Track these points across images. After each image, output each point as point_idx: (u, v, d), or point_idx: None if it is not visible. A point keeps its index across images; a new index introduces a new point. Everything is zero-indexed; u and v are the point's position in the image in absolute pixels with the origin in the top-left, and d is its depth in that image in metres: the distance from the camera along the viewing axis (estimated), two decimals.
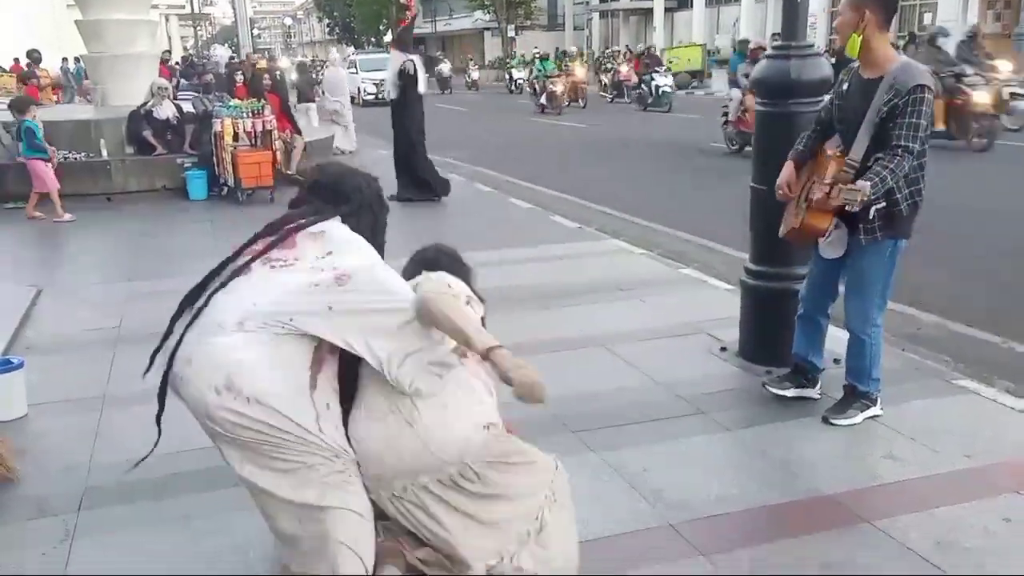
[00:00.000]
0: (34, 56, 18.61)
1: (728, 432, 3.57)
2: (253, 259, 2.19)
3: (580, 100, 24.15)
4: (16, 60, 22.67)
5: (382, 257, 2.34)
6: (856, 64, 3.48)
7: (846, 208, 3.19)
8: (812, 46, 4.07)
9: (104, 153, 10.16)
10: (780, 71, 3.98)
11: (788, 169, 3.62)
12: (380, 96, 26.86)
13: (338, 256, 2.18)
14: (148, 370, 2.21)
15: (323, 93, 14.80)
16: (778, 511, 2.95)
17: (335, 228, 2.28)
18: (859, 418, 3.58)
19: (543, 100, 22.89)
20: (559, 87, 22.51)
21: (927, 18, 26.94)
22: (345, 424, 2.19)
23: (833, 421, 3.57)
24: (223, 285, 2.15)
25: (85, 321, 5.31)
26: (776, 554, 2.66)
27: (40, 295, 5.82)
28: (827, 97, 3.69)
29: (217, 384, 2.01)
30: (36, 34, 29.57)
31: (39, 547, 2.77)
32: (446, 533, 2.21)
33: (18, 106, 8.97)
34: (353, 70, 28.86)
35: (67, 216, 8.71)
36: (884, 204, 3.29)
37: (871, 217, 3.31)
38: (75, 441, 3.58)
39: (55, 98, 18.70)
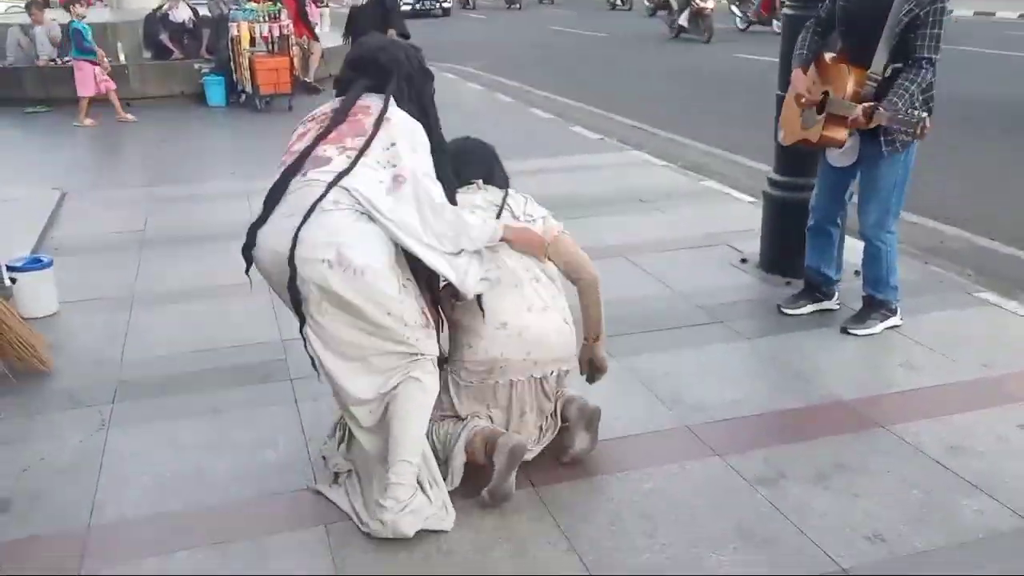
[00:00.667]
0: None
1: (746, 340, 3.60)
2: (326, 147, 2.22)
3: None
4: None
5: (438, 130, 2.41)
6: None
7: (885, 123, 3.15)
8: None
9: (122, 57, 10.06)
10: None
11: (801, 76, 3.56)
12: (420, 7, 25.30)
13: (401, 149, 2.22)
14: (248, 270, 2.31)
15: None
16: (793, 415, 3.00)
17: (396, 114, 2.29)
18: (879, 327, 3.59)
19: (682, 20, 16.71)
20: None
21: None
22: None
23: (852, 331, 3.59)
24: (304, 174, 2.19)
25: (110, 224, 5.37)
26: (790, 455, 2.72)
27: (64, 198, 5.86)
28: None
29: (329, 257, 2.09)
30: None
31: (76, 435, 2.87)
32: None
33: (65, 5, 8.87)
34: None
35: (130, 116, 8.72)
36: (902, 116, 3.24)
37: (891, 130, 3.26)
38: (106, 337, 3.66)
39: None
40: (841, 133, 3.38)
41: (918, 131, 3.05)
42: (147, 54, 10.35)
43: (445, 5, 26.65)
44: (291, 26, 9.83)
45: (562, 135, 7.96)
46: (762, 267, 4.37)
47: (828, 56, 3.50)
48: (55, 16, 10.86)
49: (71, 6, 8.77)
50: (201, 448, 2.80)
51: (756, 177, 6.30)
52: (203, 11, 10.95)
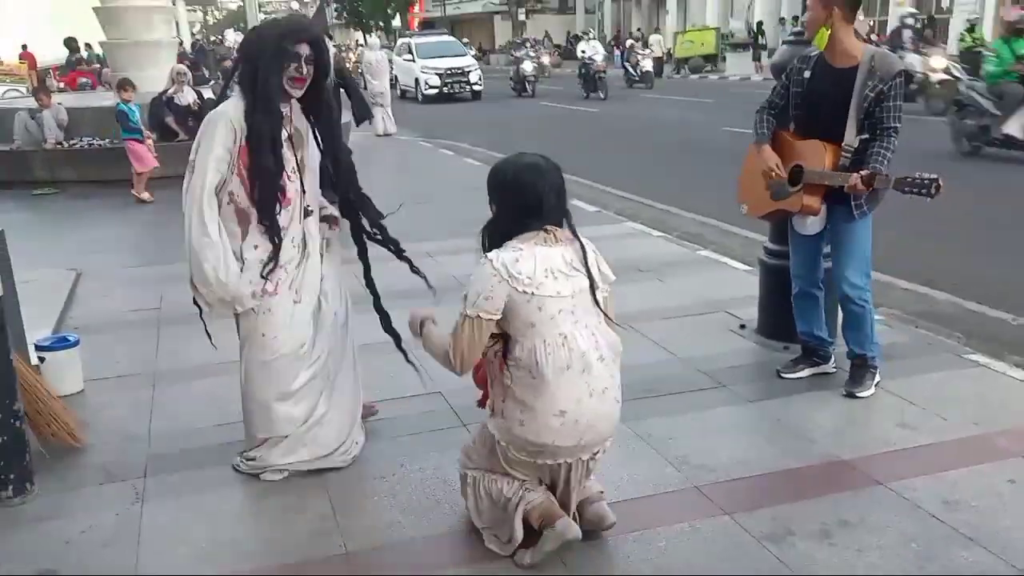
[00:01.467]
0: (72, 45, 18.82)
1: (748, 403, 3.77)
2: None
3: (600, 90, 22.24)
4: (24, 47, 22.84)
5: None
6: (814, 53, 3.70)
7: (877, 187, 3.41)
8: None
9: None
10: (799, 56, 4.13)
11: (770, 152, 3.80)
12: (448, 90, 23.10)
13: None
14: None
15: (365, 76, 15.17)
16: (797, 474, 3.15)
17: None
18: (872, 387, 3.77)
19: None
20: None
21: (945, 1, 26.81)
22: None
23: (858, 394, 3.74)
24: None
25: (127, 302, 5.54)
26: (795, 512, 2.86)
27: (80, 278, 6.04)
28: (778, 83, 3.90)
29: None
30: (37, 19, 29.80)
31: (113, 508, 2.99)
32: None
33: (117, 87, 9.40)
34: (409, 57, 24.64)
35: (146, 195, 9.04)
36: None
37: (863, 197, 3.55)
38: (132, 413, 3.80)
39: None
40: (817, 201, 3.65)
41: (933, 190, 3.26)
42: (153, 135, 10.65)
43: (476, 87, 23.66)
44: None
45: None
46: (760, 332, 4.55)
47: (789, 134, 3.79)
48: (61, 100, 11.23)
49: (120, 90, 9.23)
50: (233, 518, 2.93)
51: (750, 246, 6.55)
52: (208, 94, 11.31)
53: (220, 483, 3.16)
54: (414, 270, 3.41)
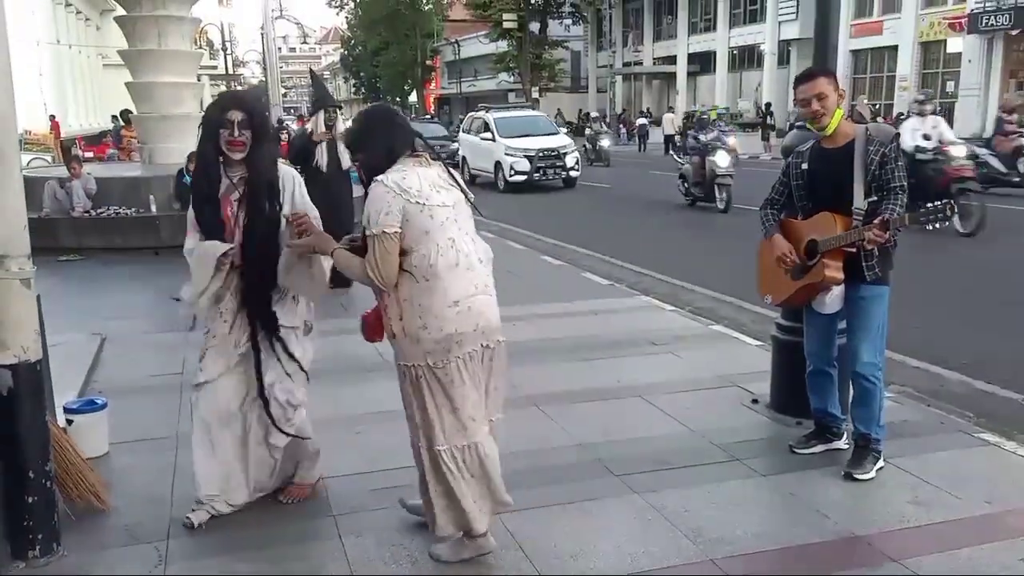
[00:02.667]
0: (126, 117, 19.43)
1: (762, 477, 3.81)
2: None
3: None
4: (52, 117, 23.59)
5: None
6: (807, 147, 3.88)
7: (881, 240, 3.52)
8: None
9: (153, 209, 10.67)
10: (806, 140, 4.29)
11: (781, 239, 3.91)
12: (540, 176, 18.43)
13: None
14: None
15: None
16: (811, 549, 3.18)
17: None
18: (873, 471, 3.78)
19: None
20: None
21: (950, 86, 27.43)
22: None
23: (856, 476, 3.75)
24: None
25: (149, 367, 5.65)
26: None
27: (105, 343, 6.17)
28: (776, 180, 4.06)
29: None
30: (65, 93, 30.81)
31: (138, 570, 3.05)
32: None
33: (188, 159, 9.87)
34: (487, 136, 19.67)
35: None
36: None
37: (874, 254, 3.65)
38: (156, 476, 3.87)
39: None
40: (839, 269, 3.70)
41: (949, 211, 3.38)
42: (176, 205, 10.95)
43: (572, 173, 19.02)
44: None
45: (574, 281, 8.37)
46: (773, 407, 4.61)
47: (796, 220, 3.93)
48: (90, 170, 11.58)
49: (189, 161, 9.66)
50: None
51: (762, 322, 6.64)
52: None
53: (241, 546, 3.21)
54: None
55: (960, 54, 26.48)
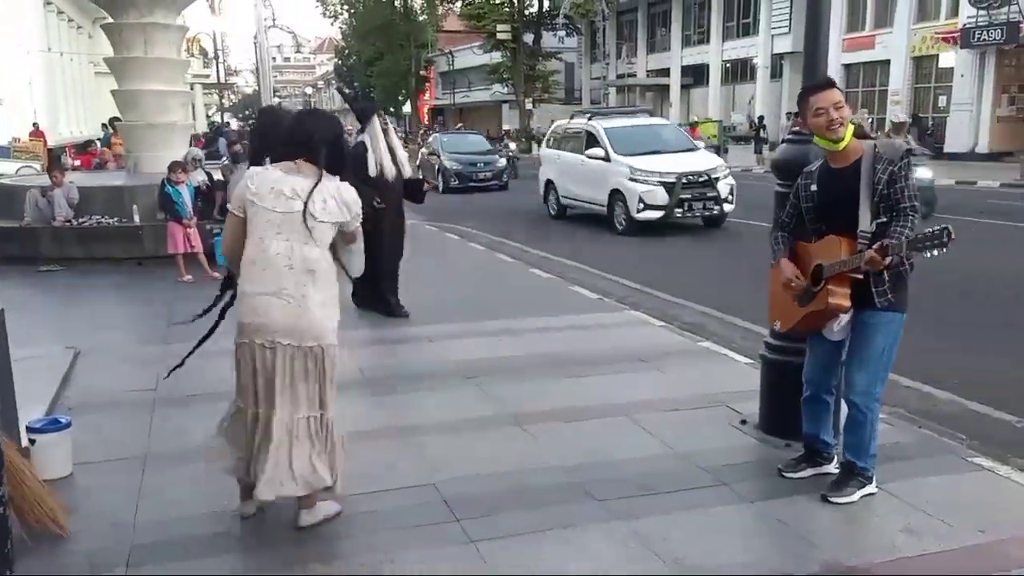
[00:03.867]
0: (115, 125, 19.27)
1: (749, 504, 3.68)
2: None
3: None
4: (36, 125, 23.32)
5: None
6: (815, 167, 3.72)
7: (880, 267, 3.35)
8: None
9: (136, 219, 10.50)
10: (799, 155, 4.17)
11: (788, 264, 3.76)
12: (687, 212, 12.74)
13: None
14: None
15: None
16: None
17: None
18: (856, 496, 3.65)
19: None
20: None
21: (942, 101, 27.48)
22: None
23: (832, 499, 3.63)
24: None
25: (123, 382, 5.50)
26: None
27: (78, 357, 6.02)
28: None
29: None
30: (57, 101, 30.62)
31: None
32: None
33: (168, 169, 9.65)
34: (597, 153, 13.66)
35: (188, 277, 9.13)
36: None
37: (884, 280, 3.48)
38: (120, 500, 3.72)
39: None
40: (844, 296, 3.51)
41: (946, 238, 3.18)
42: (161, 215, 10.80)
43: (726, 207, 12.96)
44: None
45: (562, 294, 8.24)
46: (761, 429, 4.49)
47: (805, 244, 3.76)
48: (73, 179, 11.42)
49: (170, 171, 9.52)
50: None
51: (751, 338, 6.54)
52: (217, 175, 11.52)
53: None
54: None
55: (952, 69, 26.53)
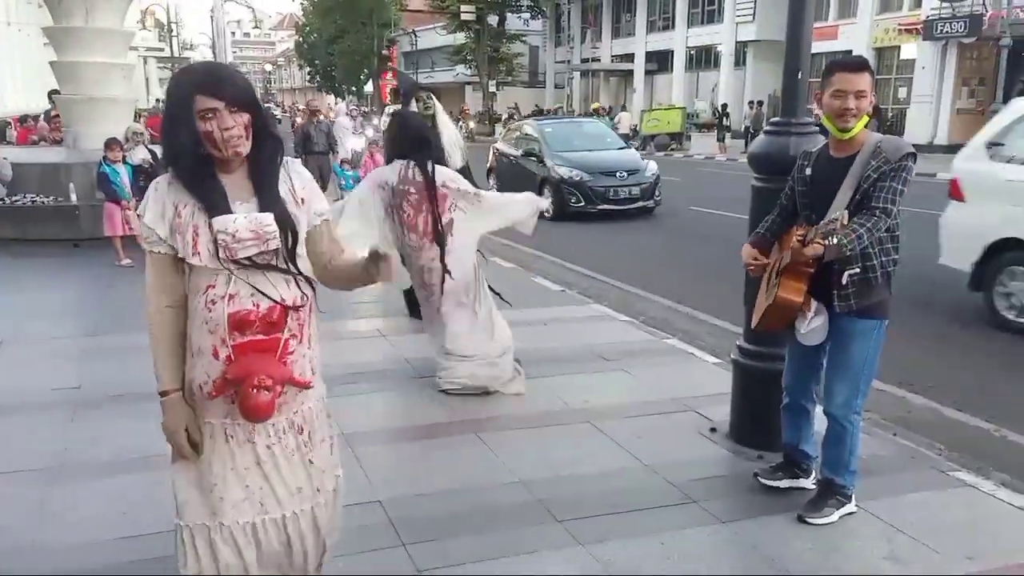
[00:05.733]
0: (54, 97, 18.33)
1: (721, 524, 3.39)
2: None
3: None
4: None
5: None
6: (816, 148, 3.42)
7: (826, 258, 3.08)
8: (811, 123, 4.00)
9: (73, 198, 9.94)
10: (780, 147, 3.90)
11: (747, 247, 3.51)
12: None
13: None
14: None
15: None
16: None
17: None
18: (835, 516, 3.39)
19: None
20: None
21: (902, 92, 27.61)
22: None
23: (808, 520, 3.38)
24: None
25: (43, 379, 5.04)
26: None
27: (0, 347, 5.56)
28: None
29: None
30: (2, 72, 29.43)
31: None
32: None
33: (105, 146, 9.05)
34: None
35: (126, 261, 8.58)
36: (858, 270, 3.18)
37: (844, 283, 3.20)
38: (22, 520, 3.30)
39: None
40: (797, 293, 3.22)
41: (839, 226, 2.91)
42: (100, 194, 10.23)
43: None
44: None
45: (524, 286, 7.91)
46: (732, 438, 4.21)
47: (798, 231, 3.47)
48: (6, 154, 10.76)
49: (107, 149, 8.94)
50: None
51: (719, 335, 6.29)
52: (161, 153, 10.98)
53: None
54: None
55: (913, 60, 26.63)
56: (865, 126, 3.23)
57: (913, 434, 4.42)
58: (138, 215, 2.16)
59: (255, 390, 2.08)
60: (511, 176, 14.38)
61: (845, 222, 2.99)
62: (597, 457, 4.02)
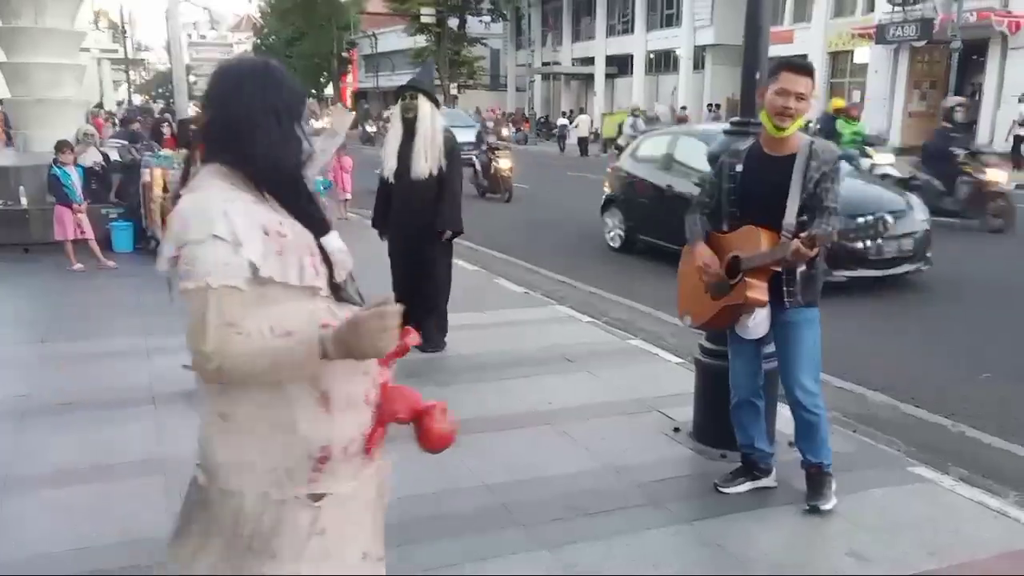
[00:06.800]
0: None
1: (687, 524, 3.38)
2: None
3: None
4: None
5: None
6: (744, 146, 3.48)
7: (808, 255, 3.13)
8: None
9: (23, 202, 9.68)
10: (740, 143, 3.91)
11: (706, 249, 3.50)
12: None
13: None
14: None
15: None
16: None
17: None
18: (833, 497, 3.49)
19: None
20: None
21: (855, 95, 28.09)
22: None
23: (822, 508, 3.45)
24: None
25: None
26: None
27: None
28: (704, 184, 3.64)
29: None
30: None
31: None
32: None
33: (55, 149, 8.78)
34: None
35: (78, 266, 8.39)
36: (804, 267, 3.30)
37: (796, 280, 3.33)
38: None
39: None
40: (763, 291, 3.31)
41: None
42: (51, 198, 9.98)
43: None
44: None
45: (487, 288, 7.86)
46: (695, 437, 4.21)
47: (720, 233, 3.52)
48: None
49: (58, 152, 8.69)
50: None
51: (681, 335, 6.28)
52: (114, 156, 10.73)
53: None
54: None
55: (867, 64, 27.13)
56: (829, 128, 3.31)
57: (872, 430, 4.46)
58: (251, 259, 1.60)
59: (431, 417, 1.80)
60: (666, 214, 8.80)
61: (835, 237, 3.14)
62: (561, 459, 3.99)
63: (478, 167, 16.66)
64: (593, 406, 4.69)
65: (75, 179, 8.74)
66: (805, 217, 3.26)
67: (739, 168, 3.44)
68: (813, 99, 3.33)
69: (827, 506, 3.45)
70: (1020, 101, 20.59)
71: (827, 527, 3.37)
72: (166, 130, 12.30)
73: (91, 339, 5.93)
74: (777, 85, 3.26)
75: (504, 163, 16.18)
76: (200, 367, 1.58)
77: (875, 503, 3.57)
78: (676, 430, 4.33)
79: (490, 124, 19.20)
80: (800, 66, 3.29)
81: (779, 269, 3.30)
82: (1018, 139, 19.88)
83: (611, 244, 10.54)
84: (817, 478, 3.51)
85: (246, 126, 1.70)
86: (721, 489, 3.67)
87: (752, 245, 3.32)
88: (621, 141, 22.11)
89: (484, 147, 17.59)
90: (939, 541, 3.25)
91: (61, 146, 8.75)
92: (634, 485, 3.71)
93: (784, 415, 3.74)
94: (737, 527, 3.37)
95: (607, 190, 10.83)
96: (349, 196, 12.86)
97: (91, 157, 10.02)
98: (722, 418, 4.03)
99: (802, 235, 3.14)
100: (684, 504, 3.56)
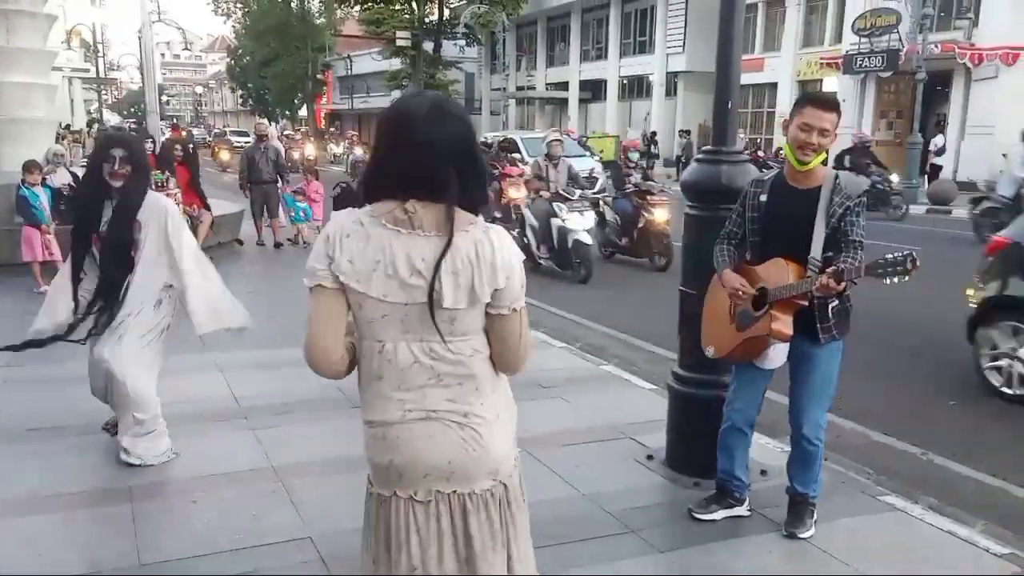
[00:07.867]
0: None
1: (660, 554, 3.39)
2: None
3: None
4: None
5: None
6: (768, 176, 3.50)
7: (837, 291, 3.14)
8: (742, 152, 4.08)
9: None
10: (711, 176, 3.97)
11: (733, 274, 3.46)
12: None
13: None
14: None
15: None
16: None
17: None
18: (813, 526, 3.52)
19: None
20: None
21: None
22: None
23: (800, 535, 3.47)
24: None
25: None
26: None
27: None
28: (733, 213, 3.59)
29: None
30: None
31: None
32: None
33: (23, 169, 8.68)
34: None
35: (45, 288, 8.19)
36: (837, 301, 3.33)
37: (829, 315, 3.33)
38: None
39: None
40: (788, 324, 3.29)
41: (909, 264, 2.96)
42: (19, 219, 9.83)
43: None
44: (180, 195, 9.62)
45: None
46: (669, 465, 4.22)
47: (746, 264, 3.51)
48: None
49: (26, 172, 8.60)
50: None
51: (655, 361, 6.33)
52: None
53: None
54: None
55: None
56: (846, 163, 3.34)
57: (843, 458, 4.50)
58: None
59: None
60: None
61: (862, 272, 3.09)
62: (534, 486, 3.90)
63: (611, 218, 11.60)
64: (567, 432, 4.69)
65: (43, 200, 8.64)
66: (830, 252, 3.25)
67: (763, 198, 3.43)
68: (837, 133, 3.30)
69: (806, 534, 3.47)
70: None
71: (800, 556, 3.39)
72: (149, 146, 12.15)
73: (59, 364, 5.82)
74: (801, 119, 3.25)
75: (660, 214, 10.89)
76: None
77: (847, 532, 3.59)
78: (649, 457, 4.34)
79: (634, 157, 13.55)
80: (825, 101, 3.30)
81: (805, 303, 3.28)
82: (935, 168, 20.48)
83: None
84: (801, 507, 3.54)
85: None
86: (696, 515, 3.67)
87: (780, 277, 3.29)
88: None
89: (626, 189, 11.64)
90: (908, 569, 3.28)
91: (29, 166, 8.66)
92: (608, 513, 3.70)
93: (758, 443, 3.76)
94: (711, 557, 3.38)
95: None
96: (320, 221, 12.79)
97: (60, 178, 9.89)
98: (695, 445, 4.06)
99: (828, 269, 3.13)
100: (657, 532, 3.56)
